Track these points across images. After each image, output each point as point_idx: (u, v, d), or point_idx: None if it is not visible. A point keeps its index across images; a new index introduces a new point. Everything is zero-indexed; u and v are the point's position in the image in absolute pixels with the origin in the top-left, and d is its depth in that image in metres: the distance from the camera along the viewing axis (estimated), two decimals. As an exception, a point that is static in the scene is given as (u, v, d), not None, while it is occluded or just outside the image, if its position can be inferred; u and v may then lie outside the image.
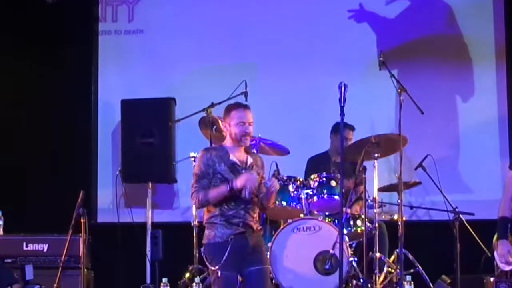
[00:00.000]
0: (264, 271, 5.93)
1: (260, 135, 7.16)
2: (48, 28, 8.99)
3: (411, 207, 8.16)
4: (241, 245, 5.88)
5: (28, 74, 9.02)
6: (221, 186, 5.84)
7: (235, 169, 5.92)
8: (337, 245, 6.32)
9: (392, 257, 7.52)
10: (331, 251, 6.74)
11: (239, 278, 5.95)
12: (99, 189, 8.88)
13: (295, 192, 7.30)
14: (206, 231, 5.99)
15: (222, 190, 5.83)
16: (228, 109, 6.04)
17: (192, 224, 7.72)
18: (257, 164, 6.08)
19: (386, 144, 7.37)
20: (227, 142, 6.02)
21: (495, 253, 6.17)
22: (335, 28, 8.91)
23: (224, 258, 5.82)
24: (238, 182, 5.82)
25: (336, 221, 7.16)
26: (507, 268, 5.75)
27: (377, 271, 7.18)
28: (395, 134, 7.37)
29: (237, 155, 5.96)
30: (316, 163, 8.05)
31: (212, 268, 5.89)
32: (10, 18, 8.99)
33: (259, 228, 6.07)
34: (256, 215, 6.02)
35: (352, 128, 7.91)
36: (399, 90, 7.33)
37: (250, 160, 6.02)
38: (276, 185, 5.98)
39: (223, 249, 5.84)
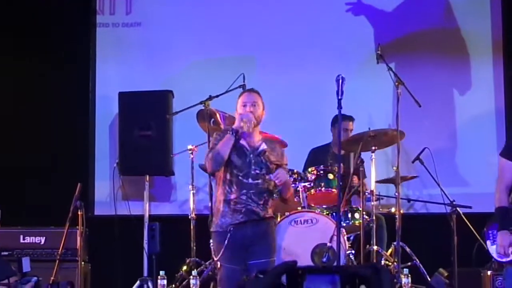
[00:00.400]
0: (266, 265, 5.79)
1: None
2: (46, 22, 8.96)
3: (409, 200, 8.17)
4: (241, 236, 5.89)
5: (27, 66, 8.98)
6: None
7: (243, 152, 5.99)
8: (335, 238, 6.33)
9: (390, 250, 7.53)
10: (328, 244, 6.75)
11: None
12: (97, 182, 8.85)
13: (293, 185, 7.30)
14: (213, 218, 6.06)
15: (227, 136, 5.93)
16: (238, 98, 6.17)
17: (189, 217, 7.71)
18: (273, 152, 6.10)
19: (384, 138, 7.40)
20: None
21: (488, 242, 6.15)
22: (332, 21, 8.89)
23: (222, 249, 5.87)
24: (236, 122, 5.95)
25: (334, 214, 7.16)
26: (504, 259, 5.72)
27: (374, 264, 7.20)
28: (392, 129, 7.38)
29: (249, 140, 6.02)
30: (316, 154, 8.07)
31: (215, 258, 5.95)
32: (8, 15, 8.97)
33: (267, 215, 6.04)
34: (263, 201, 5.99)
35: (351, 118, 7.93)
36: (396, 83, 7.35)
37: (263, 146, 6.05)
38: (281, 176, 5.97)
39: (222, 240, 5.89)
